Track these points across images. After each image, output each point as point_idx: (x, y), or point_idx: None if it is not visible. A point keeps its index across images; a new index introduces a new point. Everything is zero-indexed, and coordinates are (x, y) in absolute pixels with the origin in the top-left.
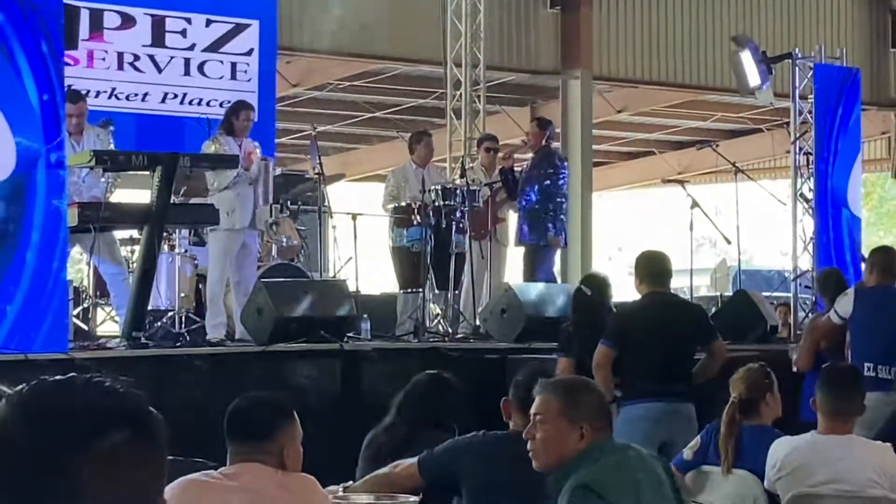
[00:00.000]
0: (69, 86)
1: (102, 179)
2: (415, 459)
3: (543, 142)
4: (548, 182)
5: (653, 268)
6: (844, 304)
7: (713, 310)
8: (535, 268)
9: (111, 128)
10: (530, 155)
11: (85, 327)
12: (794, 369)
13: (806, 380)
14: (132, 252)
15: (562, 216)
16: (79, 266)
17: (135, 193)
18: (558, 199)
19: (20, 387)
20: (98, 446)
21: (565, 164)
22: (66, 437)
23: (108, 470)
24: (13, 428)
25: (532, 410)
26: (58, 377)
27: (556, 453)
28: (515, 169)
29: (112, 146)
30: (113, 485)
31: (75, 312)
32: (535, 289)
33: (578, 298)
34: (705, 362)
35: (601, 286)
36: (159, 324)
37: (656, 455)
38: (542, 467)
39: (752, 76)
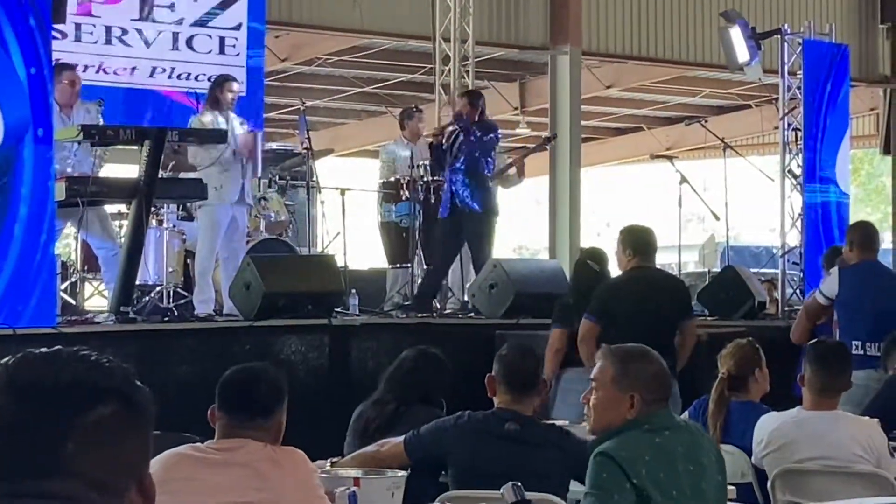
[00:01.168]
0: (57, 60)
1: (92, 155)
2: (401, 439)
3: (477, 117)
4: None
5: (637, 242)
6: (829, 284)
7: (701, 286)
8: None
9: (100, 107)
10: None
11: (73, 301)
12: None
13: (801, 355)
14: (120, 227)
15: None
16: (66, 241)
17: (126, 168)
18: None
19: (5, 359)
20: (83, 420)
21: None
22: (51, 410)
23: (93, 443)
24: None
25: (590, 375)
26: (44, 350)
27: (604, 420)
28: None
29: (101, 123)
30: (98, 458)
31: (63, 287)
32: (524, 264)
33: (583, 272)
34: (678, 343)
35: (605, 261)
36: (147, 299)
37: (710, 440)
38: (591, 432)
39: (741, 52)
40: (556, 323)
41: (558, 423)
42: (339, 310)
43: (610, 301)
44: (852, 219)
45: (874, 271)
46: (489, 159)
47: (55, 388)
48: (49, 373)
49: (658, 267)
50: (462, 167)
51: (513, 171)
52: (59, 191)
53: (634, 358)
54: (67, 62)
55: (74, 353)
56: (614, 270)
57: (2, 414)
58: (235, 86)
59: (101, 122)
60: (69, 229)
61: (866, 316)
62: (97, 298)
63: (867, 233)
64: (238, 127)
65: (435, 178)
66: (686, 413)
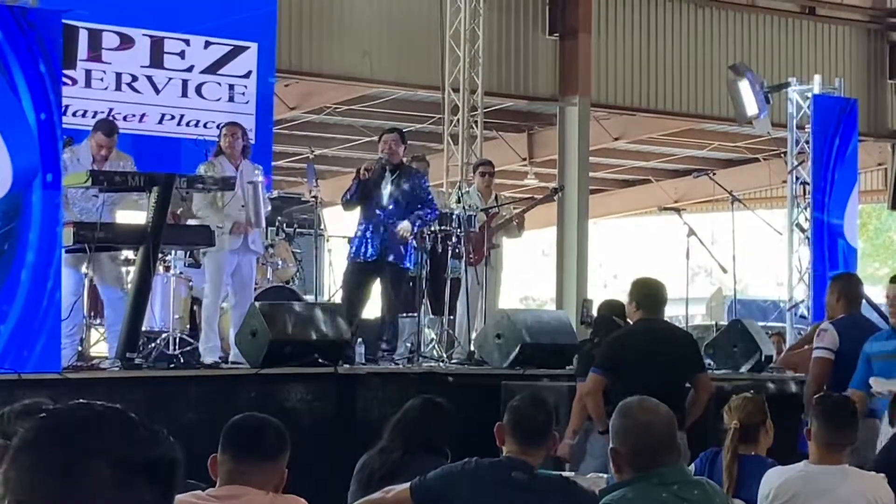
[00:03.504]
0: (66, 106)
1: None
2: (407, 485)
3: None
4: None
5: (647, 294)
6: (830, 339)
7: (708, 339)
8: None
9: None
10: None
11: (79, 348)
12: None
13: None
14: (127, 273)
15: None
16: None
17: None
18: None
19: (59, 407)
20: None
21: None
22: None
23: None
24: (39, 451)
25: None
26: (99, 407)
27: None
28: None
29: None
30: None
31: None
32: (531, 314)
33: (610, 328)
34: (692, 398)
35: (624, 315)
36: (153, 345)
37: (723, 497)
38: None
39: (750, 105)
40: (583, 376)
41: (565, 473)
42: (345, 358)
43: (617, 354)
44: (860, 274)
45: (861, 324)
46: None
47: (96, 455)
48: (95, 439)
49: (666, 320)
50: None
51: (514, 223)
52: (67, 236)
53: (619, 412)
54: (112, 120)
55: (127, 419)
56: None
57: (37, 463)
58: (241, 132)
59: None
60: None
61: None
62: (103, 344)
63: (853, 285)
64: (251, 174)
65: (443, 227)
66: (692, 466)
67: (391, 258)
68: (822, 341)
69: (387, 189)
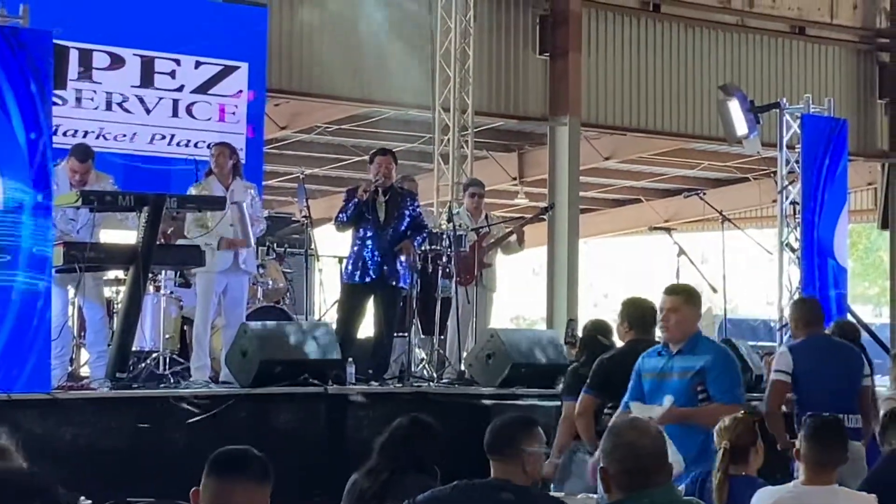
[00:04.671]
0: (57, 126)
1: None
2: None
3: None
4: None
5: (638, 315)
6: (784, 362)
7: None
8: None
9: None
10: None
11: (69, 368)
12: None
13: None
14: (117, 293)
15: None
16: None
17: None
18: None
19: None
20: None
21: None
22: None
23: None
24: None
25: None
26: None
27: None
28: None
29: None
30: None
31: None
32: (521, 334)
33: (595, 347)
34: None
35: (611, 334)
36: (143, 365)
37: None
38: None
39: (740, 125)
40: (570, 395)
41: (555, 494)
42: (335, 378)
43: (608, 374)
44: (850, 293)
45: (825, 345)
46: None
47: None
48: None
49: (657, 340)
50: None
51: (513, 237)
52: (57, 256)
53: (609, 432)
54: (86, 145)
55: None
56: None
57: None
58: (230, 152)
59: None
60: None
61: (834, 389)
62: None
63: (807, 309)
64: (243, 193)
65: (433, 247)
66: (683, 486)
67: (387, 278)
68: (776, 364)
69: (381, 210)
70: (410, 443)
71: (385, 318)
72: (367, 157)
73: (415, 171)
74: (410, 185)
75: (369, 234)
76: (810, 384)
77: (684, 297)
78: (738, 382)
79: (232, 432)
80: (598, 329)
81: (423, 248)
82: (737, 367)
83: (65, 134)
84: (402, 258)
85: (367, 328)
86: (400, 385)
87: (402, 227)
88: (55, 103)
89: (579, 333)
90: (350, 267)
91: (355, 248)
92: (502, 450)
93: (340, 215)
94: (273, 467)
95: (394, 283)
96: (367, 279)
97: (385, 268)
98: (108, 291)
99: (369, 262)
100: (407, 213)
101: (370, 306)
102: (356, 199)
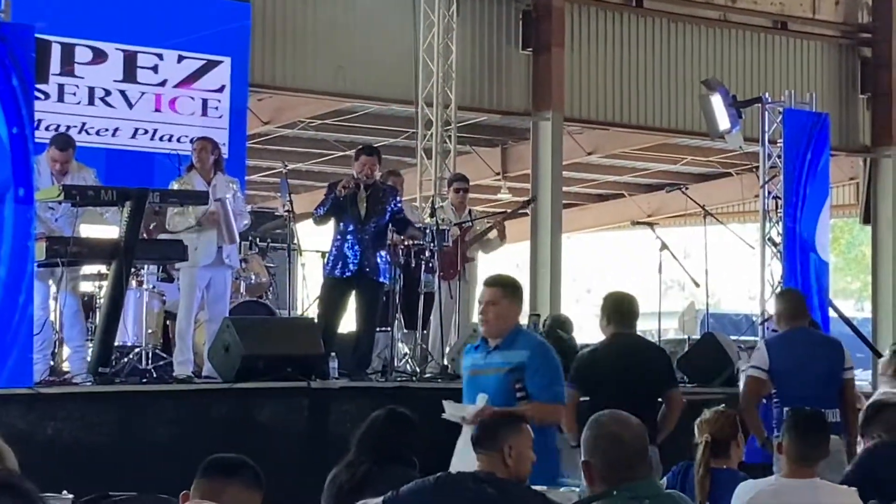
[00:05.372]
0: (39, 120)
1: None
2: (380, 500)
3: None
4: None
5: (619, 309)
6: (759, 358)
7: (681, 353)
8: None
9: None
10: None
11: (51, 362)
12: None
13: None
14: (100, 287)
15: None
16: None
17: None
18: None
19: None
20: None
21: None
22: None
23: None
24: None
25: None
26: None
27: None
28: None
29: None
30: None
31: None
32: None
33: (555, 342)
34: (664, 413)
35: (571, 328)
36: (126, 360)
37: None
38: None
39: (723, 120)
40: None
41: (536, 487)
42: (318, 373)
43: (588, 369)
44: (832, 287)
45: (807, 339)
46: None
47: None
48: None
49: (639, 334)
50: None
51: (493, 234)
52: (40, 251)
53: (590, 425)
54: (68, 135)
55: None
56: (597, 338)
57: None
58: (212, 147)
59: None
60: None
61: (815, 382)
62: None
63: (792, 302)
64: (225, 188)
65: (416, 242)
66: (665, 479)
67: (368, 273)
68: (751, 361)
69: (362, 205)
70: (388, 434)
71: (366, 313)
72: (350, 152)
73: (398, 166)
74: (395, 180)
75: (350, 228)
76: (790, 378)
77: (504, 289)
78: (558, 379)
79: (215, 427)
80: (557, 323)
81: (406, 242)
82: (557, 363)
83: (47, 128)
84: (383, 252)
85: (349, 323)
86: (383, 380)
87: (384, 222)
88: (37, 98)
89: (541, 329)
90: (331, 261)
91: (336, 243)
92: (485, 444)
93: (318, 209)
94: (256, 462)
95: (374, 277)
96: (348, 273)
97: (366, 262)
98: (90, 286)
99: (350, 256)
100: (388, 208)
101: (352, 301)
102: (334, 195)
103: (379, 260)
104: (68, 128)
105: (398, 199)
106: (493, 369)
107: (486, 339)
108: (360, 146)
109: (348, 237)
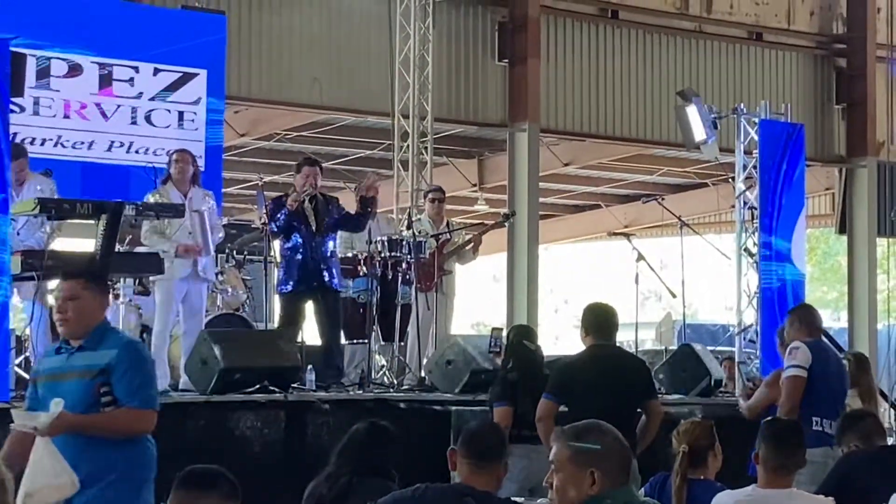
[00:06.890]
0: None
1: (41, 231)
2: None
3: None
4: None
5: (598, 320)
6: (803, 357)
7: (658, 363)
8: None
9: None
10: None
11: (27, 376)
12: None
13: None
14: None
15: None
16: (21, 315)
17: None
18: None
19: None
20: None
21: None
22: None
23: None
24: None
25: (549, 458)
26: None
27: (567, 500)
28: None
29: (55, 196)
30: None
31: (17, 361)
32: (482, 340)
33: (521, 352)
34: (643, 425)
35: (536, 338)
36: None
37: None
38: None
39: (698, 131)
40: (501, 401)
41: (516, 499)
42: (295, 385)
43: (568, 379)
44: (808, 298)
45: (826, 351)
46: None
47: None
48: None
49: (618, 345)
50: None
51: (469, 246)
52: (15, 264)
53: (586, 434)
54: (17, 143)
55: None
56: (574, 348)
57: None
58: (190, 159)
59: (55, 194)
60: (21, 303)
61: (824, 394)
62: None
63: (812, 314)
64: (201, 200)
65: (393, 254)
66: (642, 490)
67: (325, 283)
68: (794, 359)
69: (311, 218)
70: (369, 447)
71: (329, 324)
72: (326, 165)
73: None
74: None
75: (300, 242)
76: (820, 384)
77: (84, 280)
78: (149, 382)
79: (192, 440)
80: (523, 334)
81: (382, 254)
82: (148, 365)
83: (22, 142)
84: (335, 260)
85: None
86: (360, 392)
87: (334, 233)
88: (12, 111)
89: (504, 342)
90: (284, 277)
91: (286, 258)
92: (488, 456)
93: (271, 224)
94: (234, 474)
95: (332, 286)
96: (303, 287)
97: (323, 274)
98: None
99: (305, 270)
100: (335, 217)
101: (310, 314)
102: (286, 210)
103: (334, 269)
104: (44, 141)
105: (341, 207)
106: (75, 373)
107: (68, 339)
108: (304, 157)
109: (300, 250)
